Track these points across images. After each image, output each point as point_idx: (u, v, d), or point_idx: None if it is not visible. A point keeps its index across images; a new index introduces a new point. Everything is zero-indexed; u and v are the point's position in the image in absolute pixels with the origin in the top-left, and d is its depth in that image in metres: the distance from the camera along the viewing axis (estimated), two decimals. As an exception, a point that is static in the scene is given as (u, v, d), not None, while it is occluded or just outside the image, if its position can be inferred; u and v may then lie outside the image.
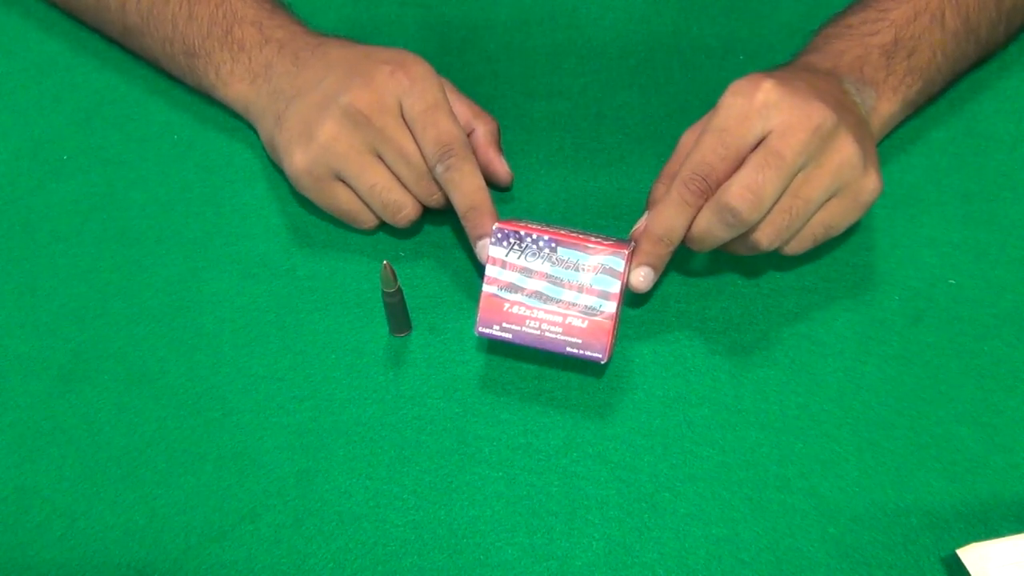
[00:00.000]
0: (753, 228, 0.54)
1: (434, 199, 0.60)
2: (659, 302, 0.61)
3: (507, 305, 0.54)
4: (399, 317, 0.59)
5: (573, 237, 0.54)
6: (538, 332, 0.54)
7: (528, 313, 0.54)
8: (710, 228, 0.54)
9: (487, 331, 0.55)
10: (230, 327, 0.60)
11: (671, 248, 0.56)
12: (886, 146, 0.66)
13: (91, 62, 0.71)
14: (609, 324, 0.53)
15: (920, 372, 0.58)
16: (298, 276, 0.62)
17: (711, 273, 0.62)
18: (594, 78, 0.71)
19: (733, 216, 0.53)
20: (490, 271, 0.55)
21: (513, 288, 0.54)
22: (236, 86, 0.64)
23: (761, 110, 0.53)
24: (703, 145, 0.54)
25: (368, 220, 0.62)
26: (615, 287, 0.53)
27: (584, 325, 0.53)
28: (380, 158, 0.59)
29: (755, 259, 0.62)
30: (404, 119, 0.58)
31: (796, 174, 0.53)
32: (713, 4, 0.74)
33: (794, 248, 0.57)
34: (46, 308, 0.61)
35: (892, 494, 0.54)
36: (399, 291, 0.57)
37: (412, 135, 0.58)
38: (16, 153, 0.68)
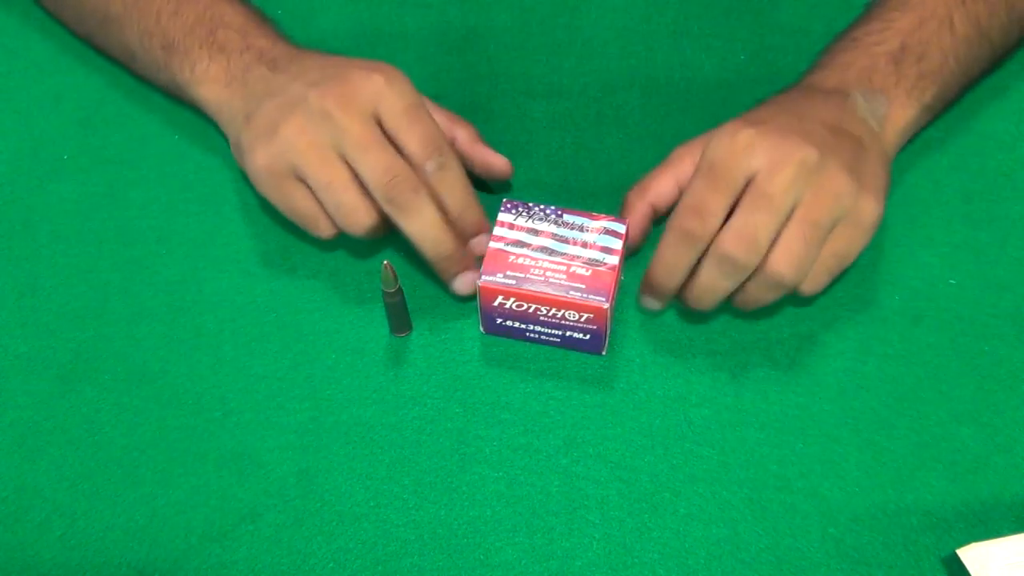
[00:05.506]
0: (770, 262, 0.53)
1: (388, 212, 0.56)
2: (659, 302, 0.61)
3: (512, 257, 0.56)
4: (399, 317, 0.59)
5: (578, 211, 0.57)
6: (542, 278, 0.55)
7: (533, 264, 0.55)
8: (712, 281, 0.54)
9: (491, 280, 0.55)
10: (230, 327, 0.60)
11: (668, 295, 0.56)
12: (886, 146, 0.66)
13: (91, 62, 0.71)
14: (612, 274, 0.55)
15: (920, 372, 0.58)
16: (298, 276, 0.62)
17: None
18: (594, 78, 0.71)
19: (731, 264, 0.52)
20: (497, 231, 0.56)
21: (520, 244, 0.56)
22: (210, 86, 0.62)
23: (744, 153, 0.52)
24: (694, 188, 0.53)
25: (325, 227, 0.58)
26: (617, 244, 0.56)
27: (588, 273, 0.55)
28: (343, 159, 0.56)
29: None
30: (382, 122, 0.56)
31: (789, 211, 0.52)
32: (713, 4, 0.74)
33: (812, 286, 0.55)
34: (46, 308, 0.61)
35: (892, 494, 0.54)
36: (399, 291, 0.57)
37: (390, 137, 0.56)
38: (16, 153, 0.68)
